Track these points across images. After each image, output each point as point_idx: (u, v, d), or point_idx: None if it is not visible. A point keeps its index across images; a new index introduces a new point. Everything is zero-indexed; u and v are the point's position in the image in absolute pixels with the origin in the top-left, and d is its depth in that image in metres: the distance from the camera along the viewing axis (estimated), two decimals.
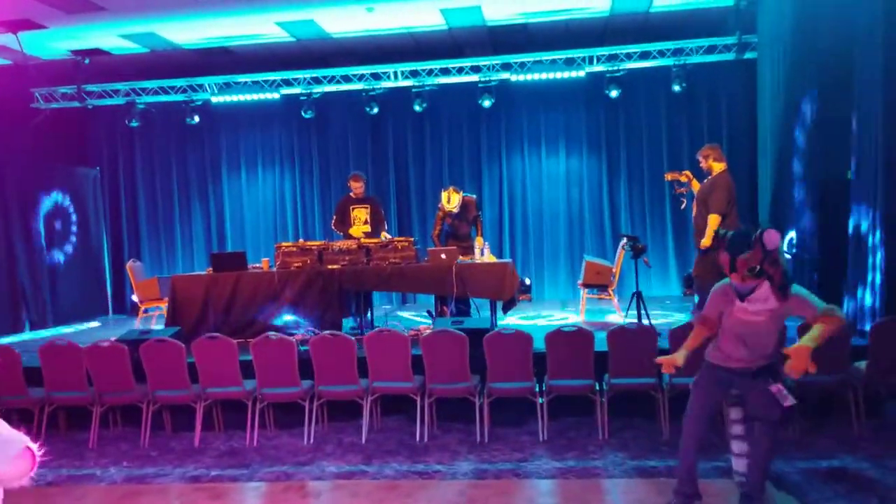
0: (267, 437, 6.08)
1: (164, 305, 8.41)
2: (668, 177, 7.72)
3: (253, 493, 4.94)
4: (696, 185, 7.34)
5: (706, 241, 6.78)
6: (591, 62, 10.12)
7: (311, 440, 5.87)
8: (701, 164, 7.23)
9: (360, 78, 10.61)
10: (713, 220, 6.81)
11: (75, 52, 10.11)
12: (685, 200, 7.51)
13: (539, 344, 5.81)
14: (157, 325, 8.66)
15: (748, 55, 9.52)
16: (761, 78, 9.09)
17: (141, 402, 6.10)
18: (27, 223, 10.33)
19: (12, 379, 6.14)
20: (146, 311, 9.45)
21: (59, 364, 6.16)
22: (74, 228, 11.30)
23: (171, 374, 5.99)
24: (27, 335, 9.76)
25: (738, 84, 10.21)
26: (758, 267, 3.60)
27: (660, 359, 4.12)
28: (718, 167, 7.03)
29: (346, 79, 10.67)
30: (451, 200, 8.13)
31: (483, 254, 7.86)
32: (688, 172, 7.54)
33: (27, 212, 10.38)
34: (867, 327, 6.03)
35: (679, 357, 3.98)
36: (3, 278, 9.86)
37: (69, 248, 11.15)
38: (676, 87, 9.90)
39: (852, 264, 6.73)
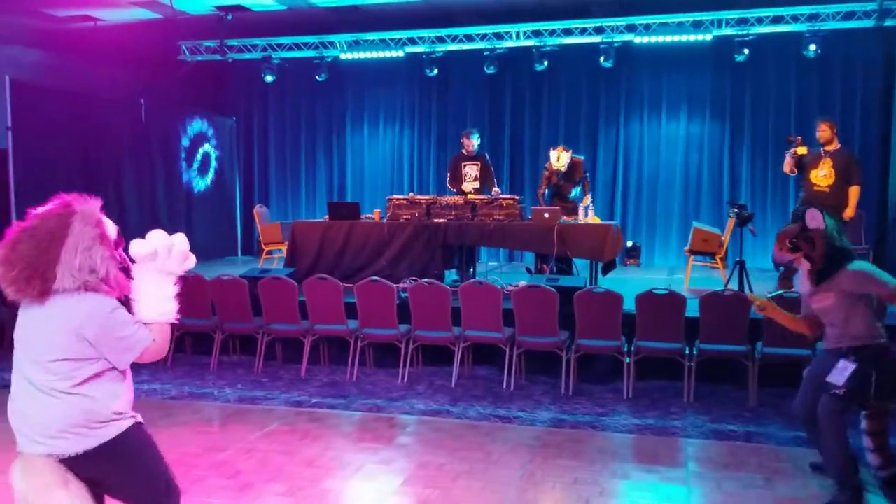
0: (365, 373, 6.53)
1: (285, 248, 9.02)
2: (797, 140, 7.45)
3: (347, 420, 5.38)
4: (801, 150, 7.21)
5: (850, 213, 6.94)
6: (719, 25, 9.79)
7: (405, 380, 6.26)
8: (824, 134, 7.13)
9: (483, 37, 10.74)
10: (857, 192, 6.99)
11: (219, 8, 10.76)
12: (796, 170, 7.29)
13: (630, 305, 5.90)
14: (278, 266, 9.30)
15: (889, 22, 8.92)
16: None
17: (256, 332, 6.70)
18: (171, 166, 11.26)
19: None
20: (269, 252, 10.17)
21: (187, 293, 6.74)
22: (213, 173, 12.24)
23: (284, 309, 6.54)
24: None
25: (877, 52, 9.62)
26: (795, 240, 3.74)
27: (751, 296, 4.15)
28: (836, 142, 7.14)
29: (469, 38, 10.82)
30: (560, 159, 8.21)
31: (587, 214, 7.92)
32: (800, 138, 7.40)
33: (171, 156, 11.31)
34: None
35: (766, 302, 4.00)
36: (147, 215, 10.81)
37: (207, 191, 12.09)
38: (810, 54, 9.44)
39: None
